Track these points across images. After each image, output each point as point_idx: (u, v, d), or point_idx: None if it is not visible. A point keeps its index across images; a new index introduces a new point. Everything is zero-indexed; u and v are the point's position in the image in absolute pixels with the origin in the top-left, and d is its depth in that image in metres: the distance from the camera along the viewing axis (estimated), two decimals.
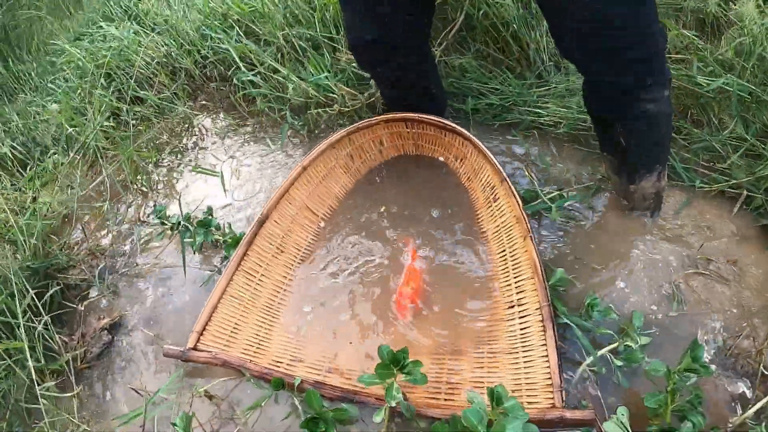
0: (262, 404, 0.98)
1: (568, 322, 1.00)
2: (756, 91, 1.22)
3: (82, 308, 1.25)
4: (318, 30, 1.53)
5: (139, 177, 1.55)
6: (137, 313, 1.25)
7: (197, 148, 1.63)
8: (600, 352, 0.96)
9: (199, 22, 1.70)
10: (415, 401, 0.93)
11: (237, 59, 1.57)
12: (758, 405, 0.89)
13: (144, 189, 1.54)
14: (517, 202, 1.12)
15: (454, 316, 1.08)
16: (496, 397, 0.80)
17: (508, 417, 0.78)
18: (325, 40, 1.53)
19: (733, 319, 1.03)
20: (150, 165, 1.60)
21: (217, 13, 1.73)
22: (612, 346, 0.97)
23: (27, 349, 1.09)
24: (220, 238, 1.28)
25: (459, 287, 1.13)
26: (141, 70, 1.71)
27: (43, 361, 1.12)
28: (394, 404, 0.85)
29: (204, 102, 1.76)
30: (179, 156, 1.63)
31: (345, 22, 1.19)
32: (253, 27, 1.65)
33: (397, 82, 1.24)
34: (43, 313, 1.17)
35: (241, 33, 1.63)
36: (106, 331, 1.20)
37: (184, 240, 1.29)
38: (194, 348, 1.04)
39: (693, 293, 1.06)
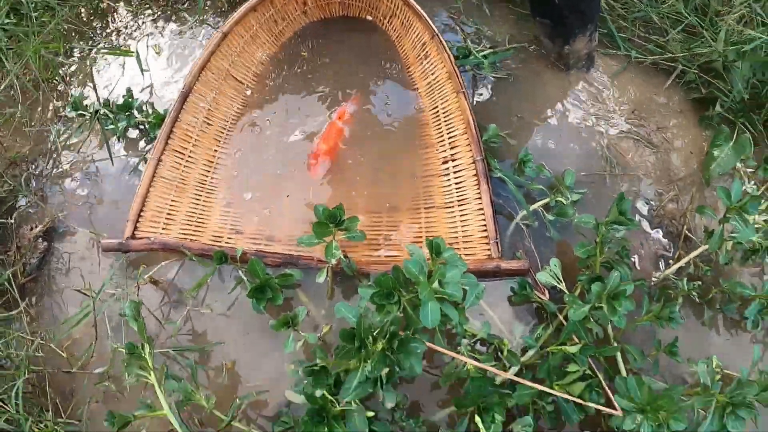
0: (208, 281, 0.84)
1: (502, 176, 0.86)
2: None
3: (12, 221, 1.01)
4: None
5: (49, 72, 1.22)
6: (70, 215, 1.00)
7: (109, 30, 1.26)
8: (533, 207, 0.84)
9: None
10: (356, 260, 0.81)
11: None
12: (680, 263, 0.82)
13: (56, 84, 1.21)
14: (449, 57, 0.91)
15: (389, 173, 0.92)
16: (434, 248, 0.69)
17: (447, 266, 0.68)
18: None
19: (660, 183, 0.93)
20: (60, 57, 1.25)
21: None
22: (544, 201, 0.85)
23: None
24: (144, 120, 1.03)
25: (394, 144, 0.95)
26: None
27: None
28: (334, 262, 0.73)
29: None
30: (90, 42, 1.26)
31: None
32: None
33: None
34: None
35: None
36: (41, 239, 0.97)
37: (106, 128, 1.04)
38: (132, 237, 0.85)
39: (623, 156, 0.94)
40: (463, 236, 0.83)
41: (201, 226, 0.89)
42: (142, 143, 1.04)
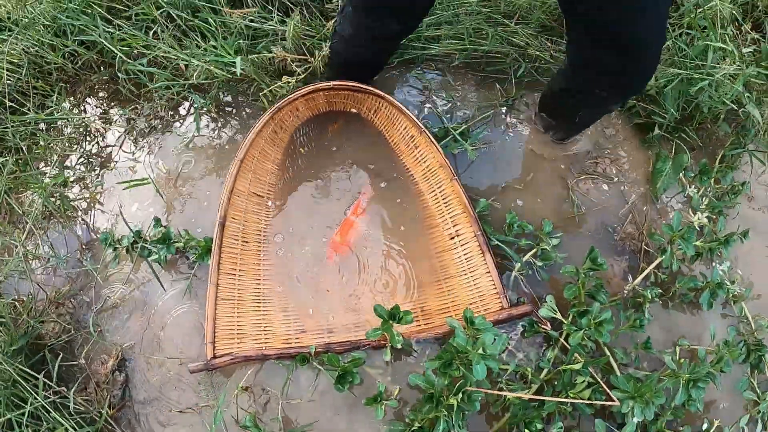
0: (290, 377, 1.26)
1: (498, 243, 1.34)
2: None
3: (83, 360, 1.35)
4: None
5: (57, 204, 1.53)
6: (135, 343, 1.36)
7: (104, 151, 1.60)
8: (525, 258, 1.32)
9: (51, 11, 1.51)
10: (405, 334, 1.25)
11: (114, 49, 1.48)
12: (643, 274, 1.31)
13: (69, 215, 1.53)
14: (438, 150, 1.35)
15: (407, 255, 1.36)
16: (469, 319, 1.13)
17: (481, 330, 1.12)
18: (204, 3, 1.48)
19: (618, 209, 1.42)
20: (64, 188, 1.56)
21: None
22: (532, 252, 1.32)
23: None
24: (181, 244, 1.39)
25: (406, 227, 1.38)
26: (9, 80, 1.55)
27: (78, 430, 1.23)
28: (399, 346, 1.17)
29: (90, 98, 1.66)
30: (88, 166, 1.59)
31: None
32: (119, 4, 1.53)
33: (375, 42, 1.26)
34: (53, 386, 1.25)
35: (103, 14, 1.50)
36: (117, 372, 1.32)
37: (150, 260, 1.39)
38: (214, 357, 1.23)
39: (585, 195, 1.43)
40: (479, 296, 1.28)
41: (269, 332, 1.29)
42: (181, 264, 1.41)
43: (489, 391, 1.10)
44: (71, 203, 1.52)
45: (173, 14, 1.48)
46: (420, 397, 1.19)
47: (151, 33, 1.48)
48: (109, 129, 1.60)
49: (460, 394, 1.04)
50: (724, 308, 1.40)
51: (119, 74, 1.53)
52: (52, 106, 1.57)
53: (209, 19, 1.47)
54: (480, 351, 1.04)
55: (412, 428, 1.08)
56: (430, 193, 1.40)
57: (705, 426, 1.26)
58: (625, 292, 1.34)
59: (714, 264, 1.41)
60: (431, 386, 1.08)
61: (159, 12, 1.47)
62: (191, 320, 1.36)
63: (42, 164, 1.60)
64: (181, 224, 1.45)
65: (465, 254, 1.32)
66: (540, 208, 1.41)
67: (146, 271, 1.42)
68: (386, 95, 1.37)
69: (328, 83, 1.36)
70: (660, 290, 1.32)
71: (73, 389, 1.27)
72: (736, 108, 1.41)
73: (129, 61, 1.48)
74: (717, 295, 1.34)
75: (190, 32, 1.51)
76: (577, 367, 1.16)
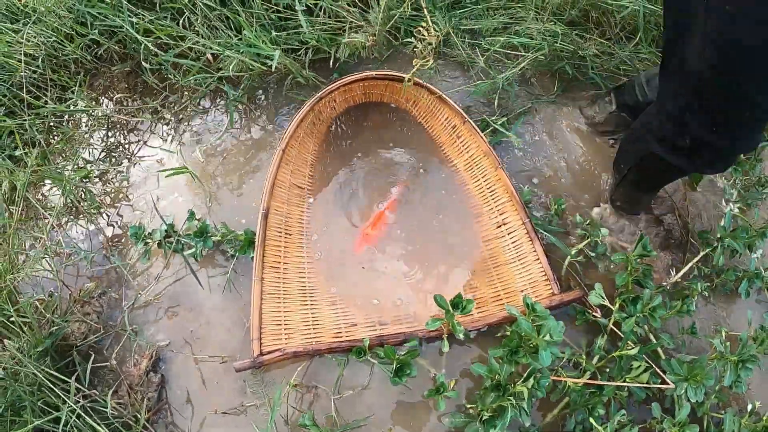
0: (343, 373, 1.25)
1: (547, 229, 1.36)
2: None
3: (115, 362, 1.31)
4: None
5: (83, 198, 1.48)
6: (170, 341, 1.33)
7: (129, 144, 1.56)
8: (580, 246, 1.33)
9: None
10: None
11: (142, 39, 1.44)
12: (687, 266, 1.34)
13: (93, 210, 1.48)
14: (483, 138, 1.36)
15: (457, 245, 1.36)
16: (530, 306, 1.14)
17: (541, 317, 1.13)
18: None
19: (666, 202, 1.46)
20: (87, 182, 1.51)
21: None
22: (585, 242, 1.34)
23: None
24: (218, 238, 1.36)
25: (451, 218, 1.39)
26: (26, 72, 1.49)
27: None
28: (462, 336, 1.17)
29: (111, 91, 1.62)
30: (113, 160, 1.55)
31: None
32: None
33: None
34: (84, 389, 1.20)
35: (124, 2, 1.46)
36: (152, 373, 1.29)
37: (186, 254, 1.35)
38: (262, 353, 1.20)
39: None
40: (530, 283, 1.29)
41: (318, 326, 1.27)
42: (217, 257, 1.38)
43: (557, 378, 1.11)
44: (95, 198, 1.47)
45: (201, 3, 1.45)
46: (471, 387, 1.19)
47: (179, 22, 1.45)
48: (135, 121, 1.56)
49: (531, 380, 1.04)
50: (759, 295, 1.45)
51: (145, 65, 1.49)
52: (72, 98, 1.52)
53: (239, 10, 1.45)
54: (547, 337, 1.05)
55: (479, 419, 1.08)
56: (474, 183, 1.40)
57: (750, 407, 1.30)
58: (667, 283, 1.37)
59: (751, 254, 1.46)
60: (497, 374, 1.08)
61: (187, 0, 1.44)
62: (231, 317, 1.33)
63: (60, 159, 1.54)
64: (215, 218, 1.42)
65: (513, 242, 1.33)
66: (585, 200, 1.43)
67: (179, 266, 1.39)
68: (428, 84, 1.38)
69: (370, 73, 1.36)
70: (708, 283, 1.36)
71: (110, 393, 1.22)
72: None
73: (160, 52, 1.45)
74: (754, 283, 1.39)
75: (218, 23, 1.48)
76: (632, 352, 1.18)
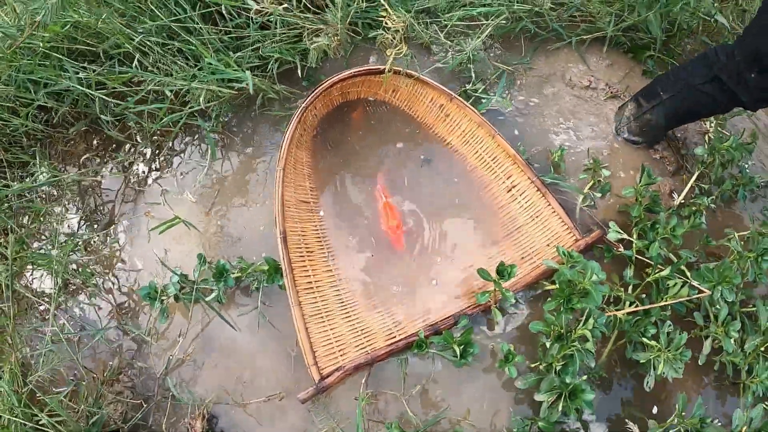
0: (405, 370, 1.28)
1: (552, 180, 1.44)
2: None
3: (165, 427, 1.28)
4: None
5: (77, 274, 1.42)
6: (218, 394, 1.30)
7: (106, 205, 1.50)
8: (585, 191, 1.43)
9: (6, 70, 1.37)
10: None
11: (96, 94, 1.39)
12: (687, 186, 1.47)
13: (91, 284, 1.41)
14: (473, 110, 1.42)
15: (474, 219, 1.42)
16: (567, 254, 1.21)
17: (579, 262, 1.21)
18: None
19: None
20: (74, 256, 1.44)
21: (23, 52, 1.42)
22: (590, 185, 1.44)
23: None
24: (238, 274, 1.34)
25: (460, 195, 1.44)
26: None
27: None
28: (513, 301, 1.22)
29: (72, 156, 1.55)
30: (95, 226, 1.49)
31: None
32: (83, 45, 1.44)
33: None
34: None
35: (64, 58, 1.40)
36: None
37: (208, 300, 1.32)
38: (322, 378, 1.21)
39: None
40: (553, 236, 1.37)
41: (368, 334, 1.29)
42: (239, 296, 1.36)
43: (610, 313, 1.20)
44: (87, 270, 1.41)
45: (149, 42, 1.41)
46: (527, 351, 1.26)
47: (133, 66, 1.41)
48: (108, 179, 1.50)
49: (591, 321, 1.12)
50: (754, 202, 1.61)
51: (104, 117, 1.44)
52: (34, 171, 1.44)
53: (190, 39, 1.42)
54: (594, 278, 1.13)
55: (551, 371, 1.15)
56: (473, 156, 1.46)
57: None
58: (674, 206, 1.49)
59: (741, 164, 1.61)
60: (557, 326, 1.15)
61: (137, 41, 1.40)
62: (274, 351, 1.33)
63: (37, 241, 1.46)
64: (224, 255, 1.40)
65: (527, 201, 1.41)
66: (581, 143, 1.53)
67: (201, 315, 1.36)
68: (407, 70, 1.42)
69: (349, 71, 1.38)
70: (712, 198, 1.49)
71: None
72: (708, 18, 1.64)
73: (119, 102, 1.40)
74: (749, 187, 1.54)
75: (171, 57, 1.45)
76: (666, 273, 1.28)
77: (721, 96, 1.26)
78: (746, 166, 1.61)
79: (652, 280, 1.31)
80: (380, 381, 1.28)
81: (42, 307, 1.42)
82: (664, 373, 1.20)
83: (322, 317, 1.29)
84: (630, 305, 1.29)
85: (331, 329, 1.28)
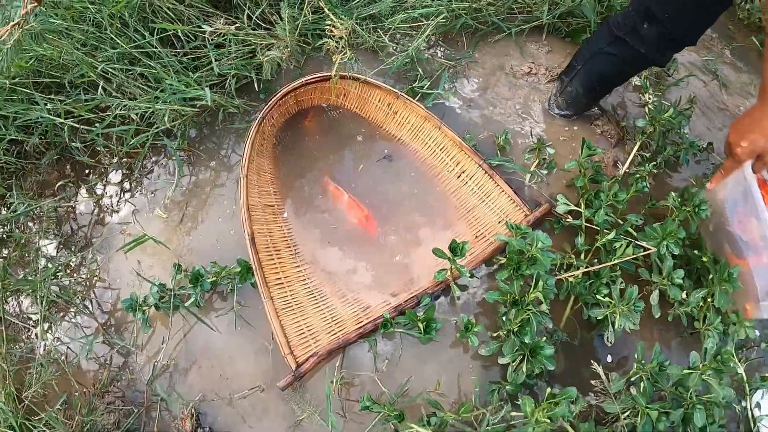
0: (376, 350, 1.37)
1: (499, 162, 1.55)
2: None
3: (156, 429, 1.36)
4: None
5: (60, 295, 1.50)
6: (203, 393, 1.39)
7: (83, 226, 1.60)
8: (531, 169, 1.55)
9: None
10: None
11: (68, 123, 1.49)
12: (631, 155, 1.59)
13: (74, 304, 1.50)
14: (419, 106, 1.54)
15: (428, 205, 1.53)
16: (515, 228, 1.31)
17: (526, 233, 1.31)
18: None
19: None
20: (56, 279, 1.53)
21: None
22: (536, 163, 1.56)
23: None
24: (213, 278, 1.43)
25: (415, 185, 1.55)
26: None
27: None
28: (469, 275, 1.32)
29: (46, 186, 1.64)
30: (73, 248, 1.58)
31: None
32: (48, 78, 1.54)
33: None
34: None
35: (31, 92, 1.51)
36: (200, 429, 1.34)
37: (187, 305, 1.41)
38: (299, 365, 1.30)
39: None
40: (503, 214, 1.48)
41: (338, 321, 1.38)
42: (217, 300, 1.46)
43: (558, 278, 1.30)
44: (70, 292, 1.50)
45: (111, 69, 1.52)
46: (489, 323, 1.36)
47: (98, 93, 1.51)
48: (82, 203, 1.60)
49: (540, 284, 1.22)
50: (699, 164, 1.73)
51: (75, 145, 1.54)
52: (12, 202, 1.54)
53: (151, 63, 1.54)
54: (539, 245, 1.23)
55: (510, 334, 1.24)
56: (424, 147, 1.58)
57: None
58: (618, 175, 1.61)
59: (681, 131, 1.73)
60: (512, 292, 1.25)
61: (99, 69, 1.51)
62: (252, 347, 1.41)
63: (20, 269, 1.56)
64: (197, 262, 1.49)
65: (476, 185, 1.52)
66: (523, 126, 1.65)
67: (181, 323, 1.45)
68: (353, 74, 1.53)
69: (300, 80, 1.49)
70: (654, 164, 1.60)
71: None
72: None
73: (88, 127, 1.50)
74: (690, 152, 1.66)
75: (132, 82, 1.56)
76: (611, 236, 1.39)
77: (623, 52, 1.39)
78: (686, 132, 1.73)
79: (600, 245, 1.42)
80: (354, 364, 1.37)
81: (30, 332, 1.51)
82: (621, 325, 1.31)
83: (293, 310, 1.38)
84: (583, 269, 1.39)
85: (303, 320, 1.37)
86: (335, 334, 1.37)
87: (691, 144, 1.67)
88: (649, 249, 1.36)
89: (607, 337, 1.36)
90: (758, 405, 1.41)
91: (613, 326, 1.32)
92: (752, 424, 1.40)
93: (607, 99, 1.71)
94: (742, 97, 1.95)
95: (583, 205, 1.48)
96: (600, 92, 1.58)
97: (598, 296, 1.32)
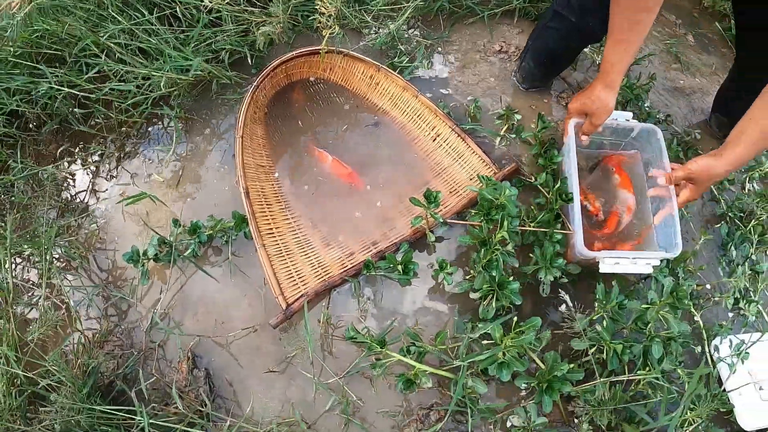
0: (362, 291, 1.51)
1: (471, 127, 1.72)
2: None
3: (154, 371, 1.47)
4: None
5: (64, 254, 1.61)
6: (198, 337, 1.50)
7: (82, 191, 1.72)
8: (501, 133, 1.72)
9: None
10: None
11: (75, 92, 1.62)
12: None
13: (77, 260, 1.62)
14: (397, 76, 1.70)
15: (407, 165, 1.69)
16: (485, 180, 1.47)
17: (495, 184, 1.47)
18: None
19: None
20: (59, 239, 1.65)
21: None
22: (506, 127, 1.73)
23: None
24: (210, 232, 1.56)
25: (393, 148, 1.71)
26: None
27: None
28: (441, 220, 1.48)
29: (45, 155, 1.76)
30: (75, 211, 1.70)
31: None
32: (50, 51, 1.66)
33: None
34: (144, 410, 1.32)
35: (34, 65, 1.64)
36: (195, 370, 1.45)
37: (186, 255, 1.53)
38: (289, 304, 1.43)
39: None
40: (474, 172, 1.64)
41: (324, 266, 1.53)
42: (213, 252, 1.59)
43: (523, 228, 1.46)
44: (72, 249, 1.62)
45: (112, 45, 1.66)
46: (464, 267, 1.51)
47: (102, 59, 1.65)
48: (80, 172, 1.73)
49: (506, 224, 1.37)
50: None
51: (77, 111, 1.67)
52: (15, 166, 1.66)
53: (150, 39, 1.68)
54: (507, 193, 1.39)
55: (476, 275, 1.39)
56: (403, 115, 1.75)
57: None
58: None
59: (640, 103, 1.92)
60: (479, 236, 1.41)
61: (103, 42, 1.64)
62: (247, 294, 1.54)
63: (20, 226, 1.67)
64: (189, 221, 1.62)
65: (450, 147, 1.69)
66: (496, 98, 1.83)
67: (178, 275, 1.58)
68: (339, 48, 1.69)
69: (291, 53, 1.65)
70: None
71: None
72: None
73: (90, 95, 1.64)
74: (648, 121, 1.85)
75: (131, 56, 1.70)
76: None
77: (561, 24, 1.55)
78: (646, 105, 1.92)
79: (555, 191, 1.57)
80: (339, 306, 1.52)
81: (32, 292, 1.62)
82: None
83: (283, 256, 1.52)
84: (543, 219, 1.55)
85: (292, 265, 1.51)
86: (322, 278, 1.51)
87: (650, 114, 1.86)
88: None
89: (543, 289, 1.50)
90: (717, 348, 1.56)
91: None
92: (711, 366, 1.55)
93: (571, 73, 1.91)
94: (704, 79, 2.15)
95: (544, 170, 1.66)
96: (552, 68, 1.77)
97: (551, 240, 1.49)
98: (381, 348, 1.34)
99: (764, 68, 1.55)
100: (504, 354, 1.30)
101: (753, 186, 1.89)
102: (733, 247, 1.74)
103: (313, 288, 1.47)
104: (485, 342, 1.37)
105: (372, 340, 1.35)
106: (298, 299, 1.45)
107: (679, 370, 1.38)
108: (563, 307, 1.55)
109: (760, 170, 1.89)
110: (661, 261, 1.49)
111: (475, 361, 1.32)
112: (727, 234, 1.75)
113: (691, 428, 1.35)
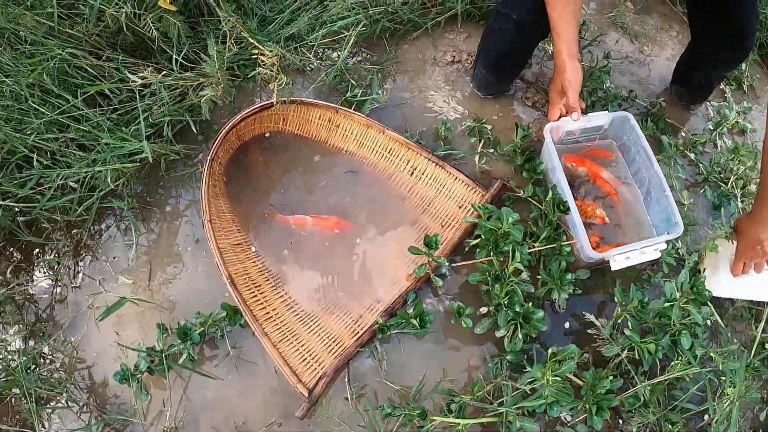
0: (379, 356, 1.45)
1: (446, 152, 1.67)
2: None
3: None
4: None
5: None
6: None
7: (44, 309, 1.56)
8: (479, 151, 1.68)
9: None
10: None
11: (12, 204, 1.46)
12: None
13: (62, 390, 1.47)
14: (359, 115, 1.62)
15: (390, 207, 1.63)
16: (482, 207, 1.43)
17: (493, 211, 1.43)
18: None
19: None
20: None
21: None
22: (481, 144, 1.69)
23: None
24: (201, 329, 1.45)
25: (371, 192, 1.64)
26: None
27: None
28: (447, 264, 1.43)
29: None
30: (43, 333, 1.55)
31: None
32: None
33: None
34: None
35: None
36: None
37: (180, 363, 1.42)
38: (310, 391, 1.35)
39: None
40: (462, 199, 1.60)
41: (335, 338, 1.46)
42: (208, 350, 1.48)
43: (531, 249, 1.44)
44: (54, 380, 1.47)
45: (41, 143, 1.50)
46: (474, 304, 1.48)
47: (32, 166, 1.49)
48: (38, 287, 1.57)
49: (518, 255, 1.34)
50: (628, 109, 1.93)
51: (20, 219, 1.52)
52: None
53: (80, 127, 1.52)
54: (509, 220, 1.36)
55: (500, 308, 1.36)
56: (372, 153, 1.67)
57: None
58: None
59: (604, 85, 1.92)
60: (492, 269, 1.37)
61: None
62: (260, 388, 1.45)
63: None
64: (176, 320, 1.51)
65: (430, 178, 1.63)
66: (462, 112, 1.78)
67: (179, 380, 1.46)
68: (290, 97, 1.59)
69: (241, 114, 1.54)
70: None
71: None
72: None
73: (31, 205, 1.48)
74: (615, 102, 1.88)
75: (65, 149, 1.54)
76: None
77: (505, 24, 1.53)
78: (609, 85, 1.93)
79: (549, 200, 1.55)
80: (362, 374, 1.45)
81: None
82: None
83: (289, 339, 1.43)
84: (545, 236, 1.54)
85: (301, 346, 1.43)
86: (336, 351, 1.44)
87: (615, 95, 1.87)
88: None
89: (559, 305, 1.49)
90: None
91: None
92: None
93: (526, 72, 1.88)
94: (654, 44, 2.18)
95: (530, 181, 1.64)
96: (504, 71, 1.73)
97: (561, 254, 1.48)
98: (423, 419, 1.30)
99: (717, 35, 1.59)
100: (547, 390, 1.28)
101: (724, 141, 1.94)
102: (722, 208, 1.79)
103: (330, 366, 1.39)
104: (525, 378, 1.35)
105: (410, 410, 1.30)
106: (318, 381, 1.38)
107: (711, 353, 1.41)
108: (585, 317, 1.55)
109: (727, 124, 1.95)
110: (667, 243, 1.51)
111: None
112: (717, 198, 1.80)
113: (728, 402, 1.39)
